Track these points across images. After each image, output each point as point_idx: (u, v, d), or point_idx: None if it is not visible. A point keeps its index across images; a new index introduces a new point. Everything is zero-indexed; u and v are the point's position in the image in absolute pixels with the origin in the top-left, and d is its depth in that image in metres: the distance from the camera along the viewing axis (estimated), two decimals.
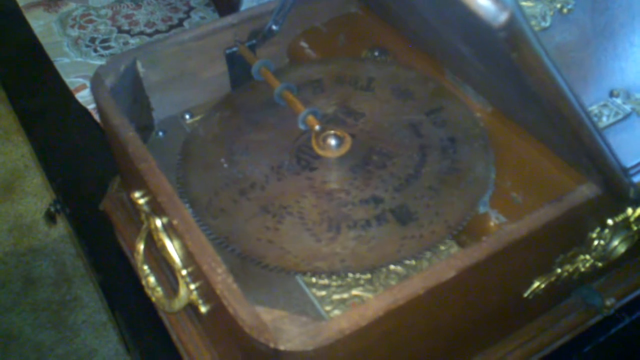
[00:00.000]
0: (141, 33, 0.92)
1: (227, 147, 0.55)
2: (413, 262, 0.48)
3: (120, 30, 0.92)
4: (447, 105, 0.55)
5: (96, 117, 0.78)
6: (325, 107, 0.57)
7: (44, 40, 0.91)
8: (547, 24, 0.55)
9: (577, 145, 0.41)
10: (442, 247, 0.49)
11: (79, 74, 0.85)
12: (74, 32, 0.92)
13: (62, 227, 1.57)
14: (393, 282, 0.47)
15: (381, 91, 0.57)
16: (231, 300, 0.38)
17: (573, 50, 0.54)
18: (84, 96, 0.81)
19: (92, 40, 0.91)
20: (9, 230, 1.60)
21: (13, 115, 1.10)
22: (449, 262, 0.40)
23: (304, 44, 0.64)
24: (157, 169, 0.46)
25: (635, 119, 0.51)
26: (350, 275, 0.47)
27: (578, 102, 0.38)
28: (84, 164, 0.75)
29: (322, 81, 0.59)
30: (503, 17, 0.32)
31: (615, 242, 0.50)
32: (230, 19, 0.60)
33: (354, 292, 0.47)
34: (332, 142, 0.52)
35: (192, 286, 0.45)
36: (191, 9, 0.96)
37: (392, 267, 0.48)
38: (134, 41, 0.90)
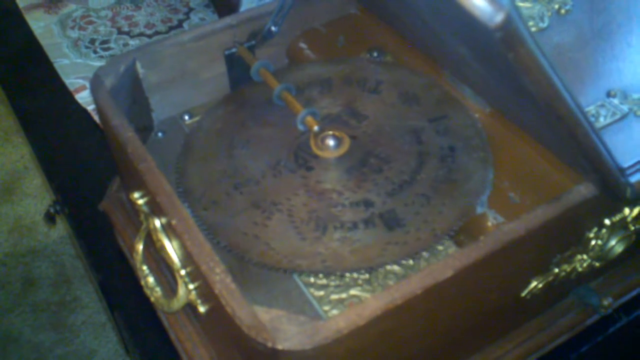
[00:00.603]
0: (141, 34, 0.92)
1: (229, 140, 0.55)
2: (411, 261, 0.48)
3: (120, 32, 0.92)
4: (451, 113, 0.54)
5: (96, 118, 0.79)
6: (331, 107, 0.57)
7: (44, 41, 0.91)
8: (545, 25, 0.55)
9: (574, 145, 0.41)
10: (440, 247, 0.49)
11: (78, 75, 0.85)
12: (74, 34, 0.92)
13: (61, 228, 1.57)
14: (391, 282, 0.47)
15: (388, 94, 0.57)
16: (229, 299, 0.38)
17: (571, 50, 0.54)
18: (83, 97, 0.82)
19: (92, 41, 0.91)
20: (9, 232, 1.60)
21: (13, 116, 1.10)
22: (446, 262, 0.40)
23: (303, 45, 0.65)
24: (156, 170, 0.46)
25: (632, 119, 0.51)
26: (349, 275, 0.47)
27: (574, 102, 0.38)
28: (83, 164, 0.75)
29: (331, 80, 0.59)
30: (499, 18, 0.32)
31: (613, 242, 0.50)
32: (229, 20, 0.60)
33: (352, 292, 0.47)
34: (330, 142, 0.52)
35: (191, 286, 0.45)
36: (191, 10, 0.96)
37: (389, 267, 0.48)
38: (133, 42, 0.90)
